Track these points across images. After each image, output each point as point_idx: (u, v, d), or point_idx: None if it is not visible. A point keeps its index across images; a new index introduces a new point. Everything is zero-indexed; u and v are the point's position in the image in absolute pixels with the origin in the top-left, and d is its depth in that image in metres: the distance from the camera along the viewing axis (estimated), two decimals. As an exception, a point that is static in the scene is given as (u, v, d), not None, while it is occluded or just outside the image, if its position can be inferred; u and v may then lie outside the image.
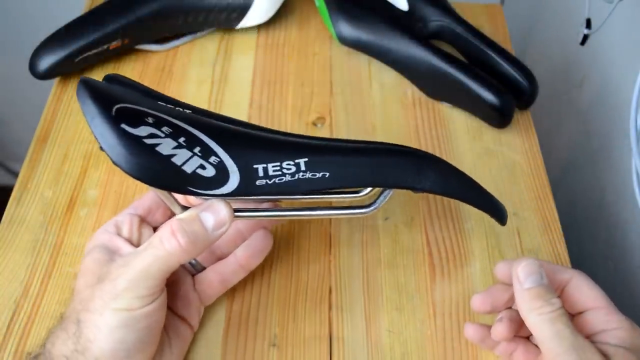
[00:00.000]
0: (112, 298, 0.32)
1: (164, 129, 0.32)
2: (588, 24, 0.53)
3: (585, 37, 0.53)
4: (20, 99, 0.95)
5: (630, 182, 0.46)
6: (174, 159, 0.32)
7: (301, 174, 0.34)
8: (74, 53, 0.52)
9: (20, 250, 0.43)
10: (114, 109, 0.31)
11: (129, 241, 0.37)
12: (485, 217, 0.41)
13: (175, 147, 0.32)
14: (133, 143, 0.31)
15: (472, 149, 0.51)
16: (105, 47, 0.53)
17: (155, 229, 0.39)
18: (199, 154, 0.32)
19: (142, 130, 0.31)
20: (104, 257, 0.35)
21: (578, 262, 0.46)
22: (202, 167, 0.32)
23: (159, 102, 0.35)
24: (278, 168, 0.34)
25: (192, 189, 0.32)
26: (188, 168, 0.32)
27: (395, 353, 0.40)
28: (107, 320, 0.32)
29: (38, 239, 0.44)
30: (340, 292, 0.42)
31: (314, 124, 0.52)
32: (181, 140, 0.32)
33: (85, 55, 0.52)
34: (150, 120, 0.32)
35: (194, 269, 0.40)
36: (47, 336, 0.34)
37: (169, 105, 0.35)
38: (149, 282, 0.32)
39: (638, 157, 0.42)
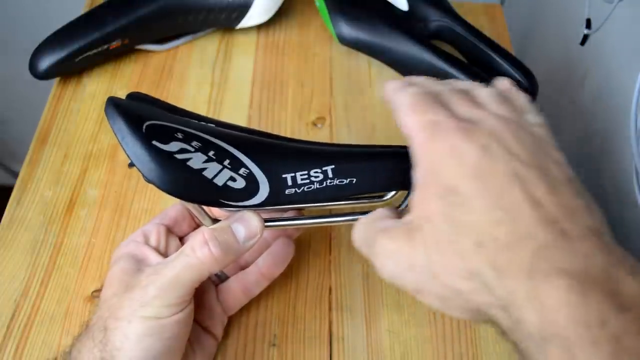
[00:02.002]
0: (142, 306, 0.32)
1: (194, 143, 0.32)
2: (588, 24, 0.53)
3: (585, 37, 0.53)
4: (20, 99, 0.95)
5: (630, 182, 0.45)
6: (205, 173, 0.32)
7: (329, 181, 0.34)
8: (74, 53, 0.52)
9: (20, 250, 0.44)
10: (144, 127, 0.31)
11: (157, 250, 0.36)
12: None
13: (206, 161, 0.32)
14: (165, 159, 0.31)
15: (472, 149, 0.51)
16: (105, 47, 0.53)
17: (181, 240, 0.39)
18: (229, 166, 0.33)
19: (173, 146, 0.31)
20: (132, 266, 0.35)
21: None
22: (233, 179, 0.33)
23: (184, 118, 0.35)
24: (306, 176, 0.34)
25: (223, 201, 0.33)
26: (219, 181, 0.32)
27: (395, 353, 0.40)
28: (135, 329, 0.31)
29: (38, 239, 0.44)
30: (340, 292, 0.42)
31: (314, 124, 0.52)
32: (211, 153, 0.32)
33: (85, 55, 0.52)
34: (179, 135, 0.32)
35: (218, 279, 0.40)
36: (73, 344, 0.33)
37: (193, 120, 0.35)
38: (179, 291, 0.32)
39: (638, 158, 0.42)
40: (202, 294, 0.38)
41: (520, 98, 0.32)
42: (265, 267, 0.39)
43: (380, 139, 0.51)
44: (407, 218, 0.29)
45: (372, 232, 0.30)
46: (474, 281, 0.25)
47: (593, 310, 0.22)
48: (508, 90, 0.32)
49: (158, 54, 0.57)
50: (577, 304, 0.22)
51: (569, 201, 0.26)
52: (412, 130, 0.29)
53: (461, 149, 0.27)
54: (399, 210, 0.33)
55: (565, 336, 0.22)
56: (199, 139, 0.33)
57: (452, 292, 0.26)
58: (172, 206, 0.40)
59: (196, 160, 0.32)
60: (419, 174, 0.28)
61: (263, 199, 0.33)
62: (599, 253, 0.24)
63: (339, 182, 0.35)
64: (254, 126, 0.52)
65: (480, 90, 0.32)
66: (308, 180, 0.34)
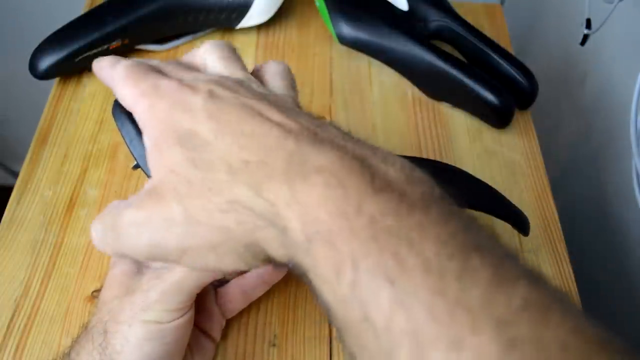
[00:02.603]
0: (143, 310, 0.32)
1: None
2: (588, 24, 0.53)
3: (585, 37, 0.53)
4: (20, 99, 0.95)
5: (630, 182, 0.45)
6: None
7: None
8: (74, 53, 0.52)
9: (20, 250, 0.43)
10: None
11: None
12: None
13: None
14: None
15: (472, 149, 0.51)
16: (105, 47, 0.53)
17: None
18: None
19: None
20: (132, 268, 0.34)
21: (578, 262, 0.46)
22: None
23: None
24: None
25: None
26: None
27: (395, 353, 0.40)
28: (135, 332, 0.31)
29: (38, 239, 0.44)
30: (340, 292, 0.42)
31: (314, 124, 0.52)
32: None
33: (85, 55, 0.52)
34: None
35: (217, 282, 0.39)
36: (72, 346, 0.33)
37: None
38: (181, 296, 0.32)
39: (638, 157, 0.42)
40: (201, 297, 0.38)
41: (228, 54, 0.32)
42: (266, 272, 0.39)
43: (380, 138, 0.51)
44: (148, 184, 0.28)
45: (110, 219, 0.28)
46: (235, 210, 0.24)
47: (350, 198, 0.22)
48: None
49: (158, 54, 0.57)
50: (335, 196, 0.22)
51: (309, 119, 0.26)
52: (133, 99, 0.29)
53: (187, 101, 0.27)
54: None
55: (327, 230, 0.22)
56: None
57: (219, 234, 0.25)
58: None
59: None
60: (148, 136, 0.28)
61: None
62: (349, 147, 0.24)
63: None
64: (254, 126, 0.52)
65: (193, 56, 0.32)
66: None
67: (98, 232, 0.29)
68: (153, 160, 0.27)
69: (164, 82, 0.28)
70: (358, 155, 0.24)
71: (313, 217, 0.22)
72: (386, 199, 0.22)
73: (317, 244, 0.22)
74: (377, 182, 0.23)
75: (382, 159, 0.24)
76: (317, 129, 0.26)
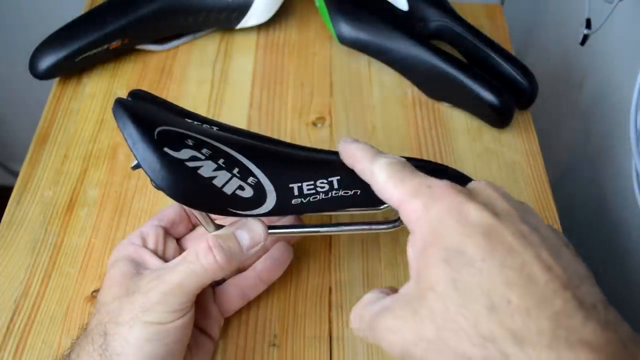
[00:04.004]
0: (144, 311, 0.32)
1: (204, 150, 0.32)
2: (588, 24, 0.53)
3: (585, 37, 0.53)
4: (20, 99, 0.95)
5: (630, 182, 0.45)
6: (214, 181, 0.32)
7: (334, 192, 0.34)
8: (74, 53, 0.52)
9: (20, 250, 0.44)
10: (155, 133, 0.31)
11: (155, 253, 0.36)
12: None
13: (216, 169, 0.32)
14: (176, 167, 0.31)
15: (472, 149, 0.51)
16: (105, 47, 0.53)
17: (177, 241, 0.39)
18: (238, 175, 0.33)
19: (183, 154, 0.31)
20: (131, 269, 0.35)
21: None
22: (241, 188, 0.33)
23: (193, 122, 0.35)
24: (312, 187, 0.34)
25: (231, 210, 0.33)
26: (228, 190, 0.32)
27: (395, 353, 0.40)
28: (136, 333, 0.31)
29: (38, 239, 0.44)
30: (340, 292, 0.42)
31: (314, 124, 0.52)
32: (220, 161, 0.32)
33: (85, 55, 0.53)
34: (190, 142, 0.32)
35: (215, 281, 0.39)
36: (71, 347, 0.33)
37: (203, 125, 0.35)
38: (182, 297, 0.32)
39: (638, 157, 0.42)
40: (199, 296, 0.38)
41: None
42: (264, 271, 0.39)
43: (380, 139, 0.51)
44: (408, 290, 0.27)
45: (369, 317, 0.29)
46: (488, 348, 0.24)
47: None
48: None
49: (158, 54, 0.57)
50: None
51: (574, 267, 0.25)
52: (402, 197, 0.28)
53: (464, 208, 0.26)
54: (390, 288, 0.32)
55: None
56: (209, 146, 0.32)
57: None
58: (169, 207, 0.40)
59: (206, 169, 0.32)
60: (418, 240, 0.27)
61: (270, 208, 0.33)
62: (613, 326, 0.24)
63: (344, 193, 0.34)
64: (254, 126, 0.52)
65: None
66: (314, 191, 0.34)
67: (356, 324, 0.30)
68: (416, 269, 0.27)
69: (436, 182, 0.28)
70: (622, 340, 0.23)
71: None
72: None
73: None
74: None
75: (636, 343, 0.23)
76: (581, 283, 0.24)
